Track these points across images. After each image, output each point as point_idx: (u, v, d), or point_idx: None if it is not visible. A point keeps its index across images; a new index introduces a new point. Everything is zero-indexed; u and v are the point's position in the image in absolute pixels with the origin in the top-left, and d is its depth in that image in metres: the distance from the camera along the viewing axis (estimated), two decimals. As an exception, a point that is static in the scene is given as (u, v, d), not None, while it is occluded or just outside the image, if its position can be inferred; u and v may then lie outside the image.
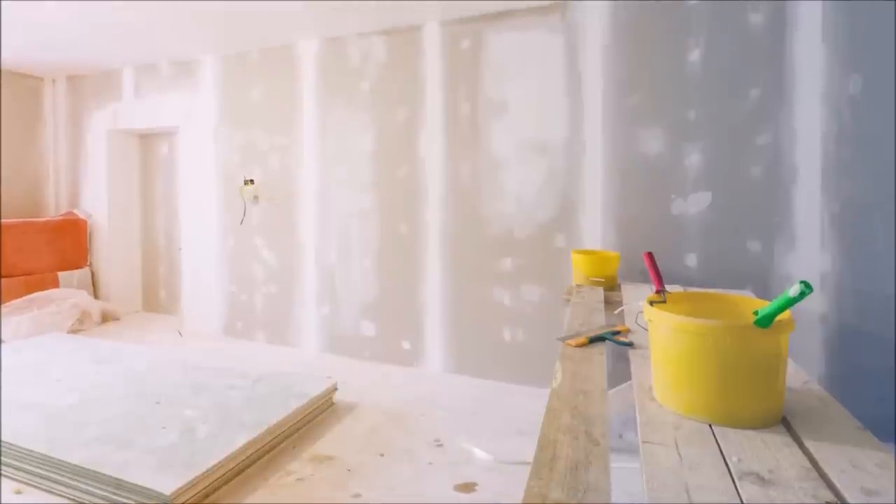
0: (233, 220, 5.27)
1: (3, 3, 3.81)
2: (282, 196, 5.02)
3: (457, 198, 4.25)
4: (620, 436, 2.83)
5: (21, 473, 2.60)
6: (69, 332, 5.26)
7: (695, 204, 3.52)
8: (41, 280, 5.57)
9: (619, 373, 2.66)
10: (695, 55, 3.50)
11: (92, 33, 4.64)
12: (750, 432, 1.28)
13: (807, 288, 1.22)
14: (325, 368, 4.27)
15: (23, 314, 5.11)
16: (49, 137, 6.38)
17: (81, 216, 6.08)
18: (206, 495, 2.48)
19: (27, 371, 3.77)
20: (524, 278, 4.05)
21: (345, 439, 3.13)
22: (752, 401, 1.32)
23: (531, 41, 3.95)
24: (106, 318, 5.87)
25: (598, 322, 2.41)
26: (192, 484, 2.38)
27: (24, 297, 5.27)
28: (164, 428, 2.86)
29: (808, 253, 3.26)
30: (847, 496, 1.04)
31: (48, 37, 4.73)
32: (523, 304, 4.06)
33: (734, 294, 1.68)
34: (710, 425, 1.32)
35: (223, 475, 2.57)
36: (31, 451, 2.59)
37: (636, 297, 2.88)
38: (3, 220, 5.45)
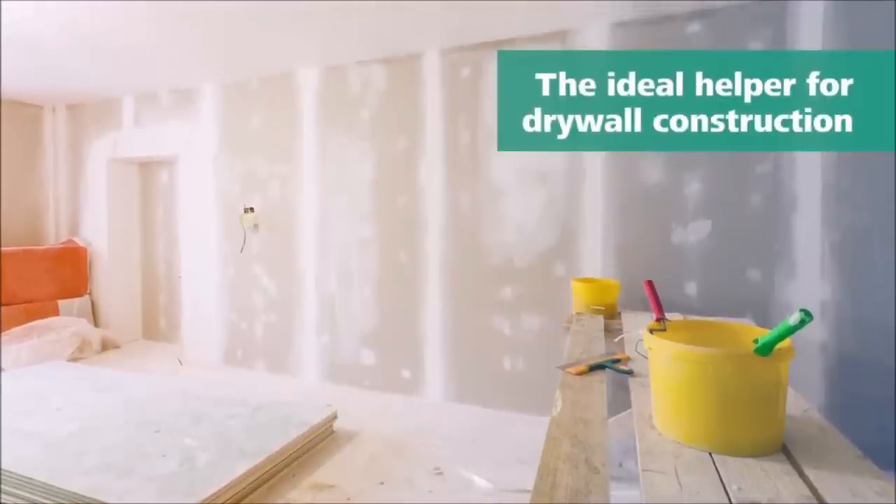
0: (233, 248, 5.29)
1: (3, 24, 3.83)
2: (282, 224, 5.04)
3: (457, 227, 4.27)
4: (620, 464, 2.81)
5: (21, 502, 2.57)
6: (69, 360, 5.24)
7: (695, 232, 3.55)
8: (41, 308, 5.57)
9: (619, 401, 2.65)
10: (691, 85, 3.54)
11: (92, 61, 4.68)
12: (750, 460, 1.28)
13: (807, 316, 1.23)
14: (325, 397, 4.25)
15: (22, 342, 5.10)
16: (49, 165, 6.43)
17: (81, 244, 6.11)
18: (205, 526, 2.46)
19: (27, 399, 3.75)
20: (524, 307, 4.05)
21: (345, 467, 3.11)
22: (752, 429, 1.32)
23: (530, 72, 3.99)
24: (106, 346, 5.85)
25: (599, 350, 2.42)
26: (190, 514, 2.36)
27: (23, 326, 5.27)
28: (164, 456, 2.85)
29: (808, 281, 3.27)
30: (848, 525, 1.04)
31: (48, 64, 4.77)
32: (523, 332, 4.06)
33: (734, 322, 1.69)
34: (710, 453, 1.32)
35: (223, 503, 2.56)
36: (32, 478, 2.58)
37: (636, 325, 2.89)
38: (3, 249, 5.47)
